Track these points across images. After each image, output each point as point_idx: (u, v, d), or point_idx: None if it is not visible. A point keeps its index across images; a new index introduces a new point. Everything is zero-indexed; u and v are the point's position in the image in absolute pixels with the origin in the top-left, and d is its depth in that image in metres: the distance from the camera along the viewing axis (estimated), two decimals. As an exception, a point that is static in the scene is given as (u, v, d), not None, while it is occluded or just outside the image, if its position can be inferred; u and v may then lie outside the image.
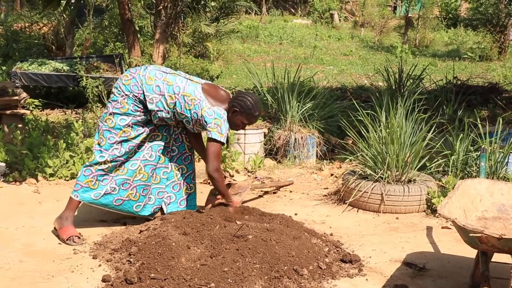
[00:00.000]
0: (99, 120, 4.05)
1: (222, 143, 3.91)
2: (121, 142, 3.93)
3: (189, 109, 3.87)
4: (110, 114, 3.93)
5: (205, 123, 3.85)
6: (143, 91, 3.89)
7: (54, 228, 4.06)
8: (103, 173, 3.95)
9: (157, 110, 3.92)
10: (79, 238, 3.92)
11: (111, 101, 3.98)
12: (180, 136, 4.22)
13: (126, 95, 3.90)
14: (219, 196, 4.61)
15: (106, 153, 3.91)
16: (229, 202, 4.10)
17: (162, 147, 4.17)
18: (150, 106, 3.90)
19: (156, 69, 4.01)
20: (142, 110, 3.93)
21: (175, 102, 3.89)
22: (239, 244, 3.51)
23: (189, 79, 4.00)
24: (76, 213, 4.53)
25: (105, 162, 3.92)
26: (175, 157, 4.23)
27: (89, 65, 9.07)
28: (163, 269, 3.28)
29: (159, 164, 4.17)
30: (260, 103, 4.08)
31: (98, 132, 3.99)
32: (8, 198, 4.92)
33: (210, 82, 4.13)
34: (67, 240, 3.88)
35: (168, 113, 3.94)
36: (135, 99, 3.90)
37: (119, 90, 3.94)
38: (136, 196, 4.09)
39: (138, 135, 3.98)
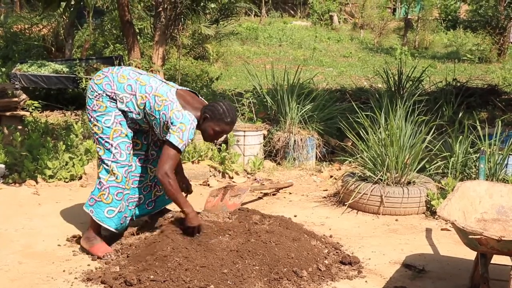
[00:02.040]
0: (91, 133, 3.83)
1: (180, 151, 3.60)
2: (117, 144, 3.72)
3: (158, 110, 3.63)
4: (94, 119, 3.75)
5: (170, 125, 3.59)
6: (114, 89, 3.72)
7: (82, 246, 3.86)
8: (115, 185, 3.73)
9: (127, 111, 3.73)
10: (116, 252, 3.74)
11: (88, 107, 3.78)
12: (159, 141, 4.03)
13: (99, 94, 3.72)
14: (218, 198, 4.62)
15: (109, 161, 3.71)
16: (184, 211, 3.70)
17: (142, 157, 4.02)
18: (120, 106, 3.71)
19: (131, 70, 3.87)
20: (117, 108, 3.75)
21: (145, 102, 3.68)
22: (239, 246, 3.51)
23: (164, 82, 3.80)
24: (74, 216, 4.53)
25: (113, 171, 3.71)
26: (151, 160, 4.07)
27: (88, 67, 9.07)
28: (162, 271, 3.28)
29: (139, 177, 4.02)
30: (234, 111, 3.76)
31: (95, 144, 3.83)
32: (7, 199, 4.92)
33: (187, 89, 3.90)
34: (103, 257, 3.68)
35: (139, 114, 3.73)
36: (109, 98, 3.72)
37: (92, 91, 3.75)
38: (128, 211, 3.93)
39: (130, 133, 3.80)
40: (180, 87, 3.84)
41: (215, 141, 3.82)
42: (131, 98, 3.72)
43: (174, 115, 3.59)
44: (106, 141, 3.72)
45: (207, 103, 3.86)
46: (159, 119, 3.66)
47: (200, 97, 3.90)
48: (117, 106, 3.73)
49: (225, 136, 6.35)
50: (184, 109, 3.63)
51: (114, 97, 3.73)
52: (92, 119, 3.76)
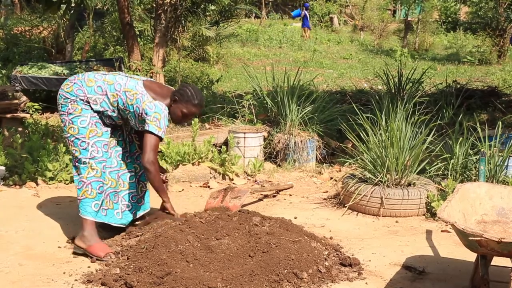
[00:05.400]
0: (65, 137, 3.95)
1: (160, 138, 3.84)
2: (94, 143, 3.84)
3: (131, 104, 3.83)
4: (69, 122, 3.84)
5: (145, 116, 3.80)
6: (85, 93, 3.85)
7: (78, 246, 3.81)
8: (96, 179, 3.83)
9: (103, 111, 3.88)
10: (116, 254, 3.73)
11: (62, 112, 3.89)
12: (130, 137, 4.19)
13: (73, 99, 3.84)
14: (218, 200, 4.63)
15: (86, 159, 3.81)
16: (164, 199, 4.02)
17: (121, 152, 4.12)
18: (95, 108, 3.85)
19: (95, 73, 4.02)
20: (92, 110, 3.87)
21: (117, 100, 3.85)
22: (239, 247, 3.51)
23: (129, 77, 3.99)
24: (75, 217, 4.53)
25: (91, 167, 3.81)
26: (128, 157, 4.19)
27: (88, 69, 9.08)
28: (162, 274, 3.28)
29: (122, 170, 4.11)
30: (201, 95, 4.03)
31: (70, 147, 3.90)
32: (8, 201, 4.92)
33: (151, 79, 4.09)
34: (104, 258, 3.68)
35: (114, 111, 3.90)
36: (83, 102, 3.85)
37: (65, 98, 3.87)
38: (110, 204, 4.00)
39: (105, 132, 3.92)
40: (145, 78, 4.03)
41: (185, 123, 4.10)
42: (103, 99, 3.87)
43: (147, 106, 3.80)
44: (82, 141, 3.83)
45: (171, 88, 4.09)
46: (133, 112, 3.86)
47: (167, 86, 4.06)
48: (92, 109, 3.87)
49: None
50: (154, 100, 3.84)
51: (88, 100, 3.86)
52: (67, 122, 3.86)
